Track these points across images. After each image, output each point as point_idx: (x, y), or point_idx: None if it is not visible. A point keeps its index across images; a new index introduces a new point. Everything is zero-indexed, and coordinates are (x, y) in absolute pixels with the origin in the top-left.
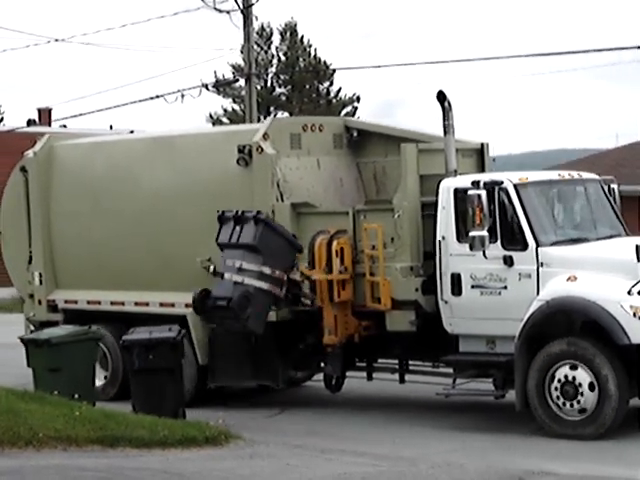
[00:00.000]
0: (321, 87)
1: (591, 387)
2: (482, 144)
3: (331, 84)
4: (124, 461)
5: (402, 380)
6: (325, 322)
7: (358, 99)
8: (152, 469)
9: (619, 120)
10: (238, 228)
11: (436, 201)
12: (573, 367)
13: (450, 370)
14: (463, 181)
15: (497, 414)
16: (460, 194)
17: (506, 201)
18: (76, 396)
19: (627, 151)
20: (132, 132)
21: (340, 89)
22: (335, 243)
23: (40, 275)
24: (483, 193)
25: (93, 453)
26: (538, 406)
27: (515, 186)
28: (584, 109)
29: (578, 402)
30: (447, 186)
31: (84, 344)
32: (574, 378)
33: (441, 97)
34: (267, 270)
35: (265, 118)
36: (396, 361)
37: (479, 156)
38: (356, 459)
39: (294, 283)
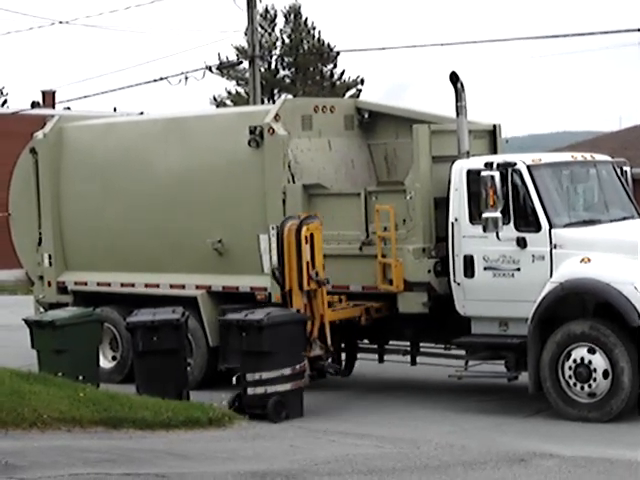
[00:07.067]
0: (325, 69)
1: (605, 375)
2: (494, 125)
3: (335, 66)
4: (128, 442)
5: (413, 362)
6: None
7: (362, 82)
8: (156, 450)
9: (622, 102)
10: (244, 335)
11: (449, 183)
12: (591, 351)
13: (462, 352)
14: (476, 163)
15: (497, 396)
16: (473, 176)
17: (519, 183)
18: (80, 378)
19: (630, 133)
20: (142, 113)
21: (344, 71)
22: (304, 229)
23: (50, 257)
24: (496, 174)
25: (97, 434)
26: (548, 379)
27: (528, 167)
28: (588, 91)
29: (589, 386)
30: (460, 168)
31: (88, 326)
32: (590, 362)
33: (454, 78)
34: (288, 371)
35: (269, 101)
36: (408, 343)
37: (491, 137)
38: (359, 441)
39: (316, 358)
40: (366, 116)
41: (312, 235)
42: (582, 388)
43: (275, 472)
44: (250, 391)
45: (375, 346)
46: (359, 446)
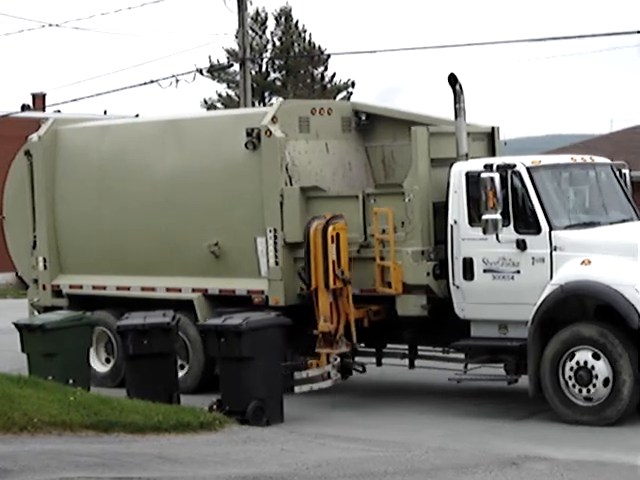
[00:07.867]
0: (316, 72)
1: (605, 383)
2: (493, 127)
3: (326, 69)
4: (118, 446)
5: (412, 365)
6: (320, 309)
7: (353, 84)
8: (146, 454)
9: (614, 105)
10: (223, 340)
11: (448, 185)
12: (596, 356)
13: (460, 355)
14: (475, 165)
15: (489, 400)
16: (472, 178)
17: (519, 184)
18: (71, 381)
19: (621, 136)
20: (137, 116)
21: (335, 74)
22: (330, 228)
23: (44, 260)
24: (496, 176)
25: (87, 438)
26: (548, 376)
27: (528, 169)
28: (579, 94)
29: (588, 390)
30: (459, 170)
31: (79, 329)
32: (593, 367)
33: (452, 80)
34: (330, 368)
35: (260, 103)
36: (406, 346)
37: (490, 140)
38: (350, 444)
39: (341, 355)
40: (363, 118)
41: (338, 235)
42: (580, 391)
43: (266, 476)
44: (297, 390)
45: (373, 349)
46: (351, 450)
